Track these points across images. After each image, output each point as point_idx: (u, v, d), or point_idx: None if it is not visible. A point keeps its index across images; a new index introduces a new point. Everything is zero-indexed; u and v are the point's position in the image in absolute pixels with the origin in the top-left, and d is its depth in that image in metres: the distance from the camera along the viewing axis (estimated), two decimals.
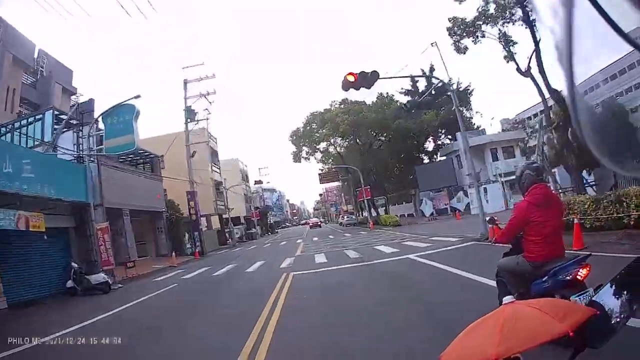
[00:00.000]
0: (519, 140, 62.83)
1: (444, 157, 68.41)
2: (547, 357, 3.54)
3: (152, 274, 28.55)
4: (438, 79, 39.15)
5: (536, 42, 24.44)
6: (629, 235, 13.31)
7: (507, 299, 3.92)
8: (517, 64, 27.21)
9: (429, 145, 74.79)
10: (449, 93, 69.14)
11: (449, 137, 70.30)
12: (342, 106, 65.10)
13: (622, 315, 2.87)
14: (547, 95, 26.69)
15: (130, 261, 28.76)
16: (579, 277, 4.49)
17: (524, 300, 3.70)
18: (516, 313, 2.75)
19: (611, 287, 3.11)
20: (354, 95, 59.68)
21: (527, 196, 5.53)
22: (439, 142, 73.85)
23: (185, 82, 49.74)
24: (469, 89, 71.32)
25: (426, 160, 73.10)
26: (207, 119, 51.18)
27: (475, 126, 69.19)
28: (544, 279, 4.73)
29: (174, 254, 35.70)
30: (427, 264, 15.89)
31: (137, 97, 28.41)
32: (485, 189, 47.94)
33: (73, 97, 43.16)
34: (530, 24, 24.45)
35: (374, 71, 18.95)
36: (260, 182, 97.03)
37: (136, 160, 44.99)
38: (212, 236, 57.81)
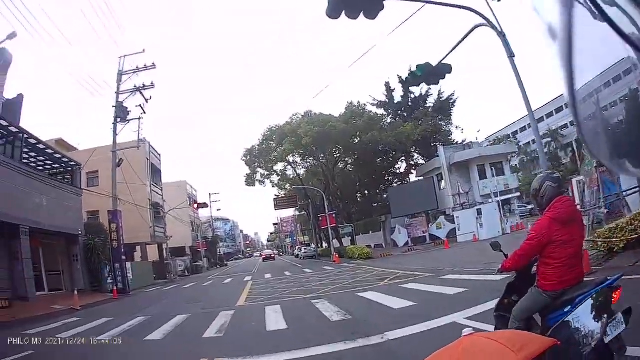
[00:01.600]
0: (509, 155, 58.14)
1: (421, 178, 61.76)
2: None
3: (31, 322, 20.36)
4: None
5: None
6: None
7: (466, 331, 2.91)
8: None
9: (400, 167, 69.38)
10: (428, 104, 65.34)
11: (424, 157, 64.49)
12: (305, 118, 57.14)
13: (590, 342, 3.03)
14: None
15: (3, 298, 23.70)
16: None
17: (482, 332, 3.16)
18: (474, 344, 2.64)
19: (584, 313, 3.30)
20: (319, 106, 51.75)
21: (549, 211, 4.79)
22: (412, 163, 67.92)
23: (120, 74, 40.61)
24: (452, 99, 65.23)
25: (396, 184, 66.85)
26: (141, 118, 40.74)
27: (454, 142, 62.47)
28: (565, 310, 4.06)
29: (76, 292, 27.46)
30: None
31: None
32: (479, 210, 41.20)
33: None
34: None
35: None
36: (204, 204, 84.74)
37: (52, 168, 38.40)
38: (146, 269, 48.97)
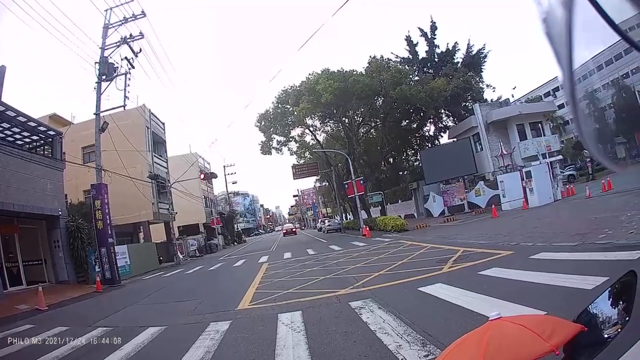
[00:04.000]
0: (550, 113, 53.65)
1: (454, 139, 56.27)
2: None
3: None
4: None
5: None
6: None
7: (493, 315, 2.38)
8: None
9: (429, 129, 65.28)
10: (456, 60, 60.42)
11: (453, 117, 60.07)
12: (324, 74, 50.70)
13: (613, 330, 2.23)
14: None
15: None
16: None
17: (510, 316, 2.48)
18: (501, 330, 2.22)
19: (606, 298, 2.47)
20: (339, 63, 46.68)
21: None
22: (441, 125, 63.25)
23: (106, 27, 34.58)
24: (482, 53, 60.73)
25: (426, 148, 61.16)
26: (129, 73, 34.20)
27: (487, 101, 57.03)
28: None
29: (40, 289, 22.24)
30: None
31: None
32: (527, 173, 35.25)
33: None
34: None
35: None
36: (212, 174, 77.44)
37: (31, 141, 33.68)
38: (147, 251, 43.63)
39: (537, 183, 34.38)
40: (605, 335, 2.18)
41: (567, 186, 38.85)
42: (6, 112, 27.78)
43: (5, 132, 30.19)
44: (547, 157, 41.27)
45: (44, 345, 12.17)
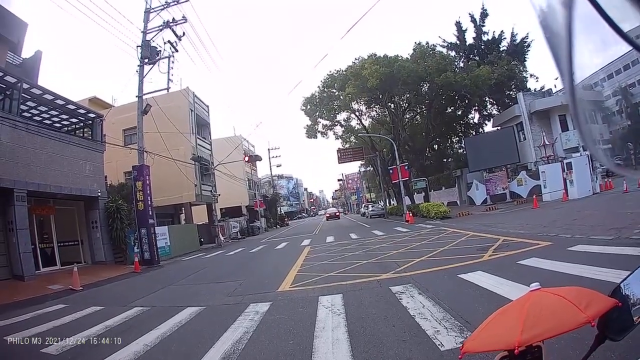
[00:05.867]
0: (597, 103, 53.34)
1: (497, 128, 55.65)
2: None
3: None
4: None
5: None
6: None
7: (533, 285, 2.37)
8: None
9: (473, 117, 64.77)
10: (501, 48, 59.71)
11: (497, 106, 59.82)
12: (370, 59, 50.36)
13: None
14: None
15: None
16: None
17: (553, 288, 2.38)
18: (541, 300, 2.20)
19: (637, 277, 2.30)
20: (384, 48, 46.21)
21: None
22: (485, 113, 62.95)
23: (148, 11, 34.31)
24: (525, 42, 60.07)
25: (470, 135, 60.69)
26: (172, 57, 34.03)
27: (530, 90, 56.64)
28: None
29: (75, 269, 22.00)
30: None
31: None
32: (568, 164, 34.92)
33: None
34: None
35: None
36: (257, 157, 77.19)
37: (69, 123, 33.41)
38: (188, 233, 43.70)
39: (577, 175, 34.20)
40: (630, 317, 2.17)
41: (606, 179, 38.71)
42: (44, 96, 27.97)
43: (42, 115, 30.37)
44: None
45: (76, 324, 12.30)
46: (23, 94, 25.88)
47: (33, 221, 25.99)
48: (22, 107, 26.94)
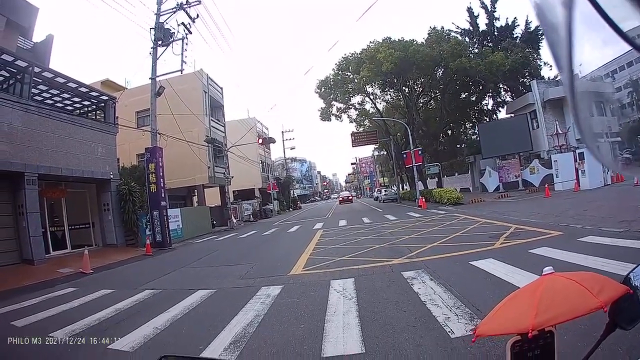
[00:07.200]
0: (607, 95, 52.86)
1: (511, 115, 55.13)
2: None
3: (5, 296, 15.84)
4: None
5: None
6: None
7: (546, 269, 2.37)
8: None
9: (488, 103, 64.21)
10: (515, 35, 59.38)
11: (511, 93, 59.13)
12: (385, 43, 50.38)
13: None
14: None
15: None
16: None
17: (566, 273, 2.39)
18: (554, 284, 2.22)
19: None
20: (398, 32, 46.42)
21: None
22: (499, 99, 62.24)
23: None
24: (540, 29, 57.83)
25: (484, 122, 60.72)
26: (186, 39, 33.69)
27: (544, 79, 55.84)
28: None
29: (86, 251, 22.14)
30: None
31: None
32: (581, 154, 34.74)
33: None
34: None
35: None
36: (271, 139, 75.23)
37: (81, 106, 33.29)
38: (201, 215, 43.68)
39: (589, 166, 33.93)
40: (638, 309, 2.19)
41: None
42: (55, 79, 27.96)
43: (54, 98, 30.40)
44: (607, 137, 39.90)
45: (85, 308, 12.33)
46: (35, 78, 25.93)
47: (44, 204, 26.09)
48: (34, 90, 27.00)
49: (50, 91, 29.40)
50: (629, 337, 2.78)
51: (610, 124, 48.41)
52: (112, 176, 30.98)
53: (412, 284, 10.19)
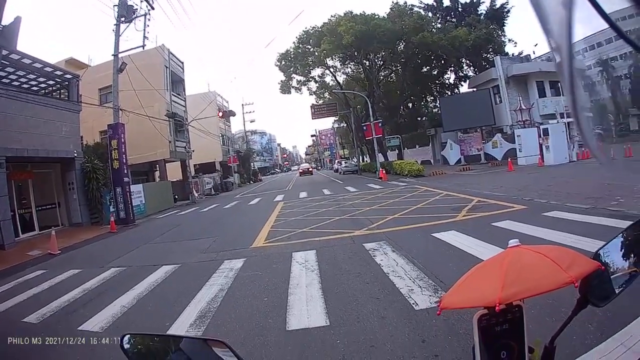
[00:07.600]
0: (579, 72, 49.95)
1: (474, 89, 54.99)
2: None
3: None
4: None
5: None
6: None
7: (512, 242, 2.16)
8: None
9: (449, 77, 64.42)
10: (479, 12, 59.57)
11: (474, 68, 58.80)
12: (346, 17, 50.31)
13: (627, 276, 2.14)
14: None
15: None
16: None
17: (533, 246, 2.25)
18: (521, 258, 2.07)
19: (619, 242, 2.23)
20: (361, 6, 46.37)
21: None
22: (461, 74, 62.06)
23: None
24: (505, 7, 59.42)
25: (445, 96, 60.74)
26: (148, 14, 33.27)
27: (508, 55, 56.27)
28: None
29: (53, 232, 21.99)
30: None
31: None
32: (545, 130, 34.98)
33: None
34: None
35: None
36: (231, 112, 77.46)
37: (46, 85, 32.82)
38: (163, 190, 43.54)
39: (553, 142, 34.31)
40: (620, 279, 2.17)
41: (584, 148, 38.34)
42: (22, 60, 27.42)
43: (20, 80, 29.93)
44: (565, 117, 39.55)
45: (56, 289, 12.26)
46: (2, 61, 25.18)
47: (12, 187, 25.77)
48: (1, 73, 26.75)
49: (16, 73, 28.88)
50: (599, 314, 2.93)
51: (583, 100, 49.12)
52: (76, 154, 30.55)
53: (374, 256, 10.23)
